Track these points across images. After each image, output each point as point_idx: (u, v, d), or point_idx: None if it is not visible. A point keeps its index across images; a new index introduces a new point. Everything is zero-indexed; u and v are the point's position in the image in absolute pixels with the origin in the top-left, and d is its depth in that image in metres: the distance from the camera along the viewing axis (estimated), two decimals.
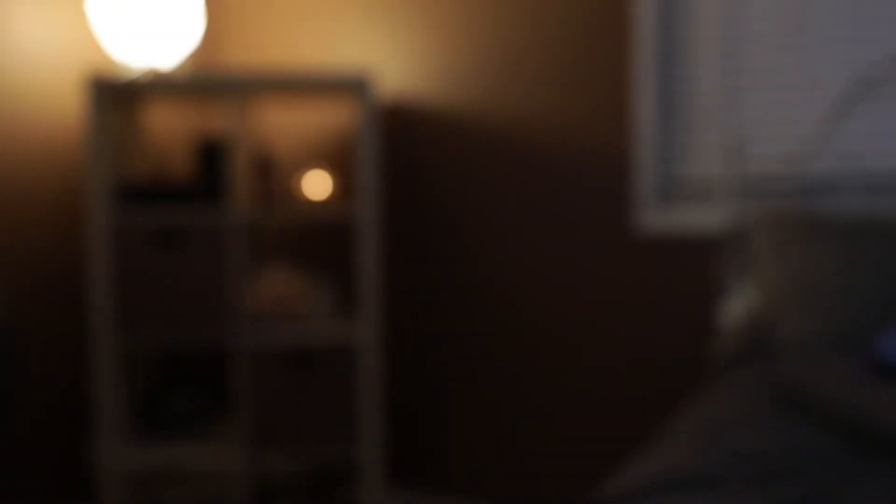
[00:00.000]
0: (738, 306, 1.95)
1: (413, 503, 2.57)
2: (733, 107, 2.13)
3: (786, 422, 1.25)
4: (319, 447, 2.26)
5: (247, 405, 2.22)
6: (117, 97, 2.28)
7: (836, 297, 1.67)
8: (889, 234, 1.70)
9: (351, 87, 2.19)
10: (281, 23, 2.69)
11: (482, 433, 2.46)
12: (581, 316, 2.30)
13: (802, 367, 1.40)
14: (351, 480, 2.60)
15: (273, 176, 2.38)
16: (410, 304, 2.55)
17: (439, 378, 2.52)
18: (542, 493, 2.40)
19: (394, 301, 2.57)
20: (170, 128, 2.68)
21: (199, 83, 2.17)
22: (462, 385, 2.48)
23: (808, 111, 2.05)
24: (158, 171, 2.61)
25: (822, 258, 1.73)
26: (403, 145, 2.52)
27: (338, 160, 2.61)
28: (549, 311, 2.34)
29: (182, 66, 2.43)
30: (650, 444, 1.24)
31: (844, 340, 1.61)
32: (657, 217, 2.18)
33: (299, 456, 2.26)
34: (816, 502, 0.93)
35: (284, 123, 2.69)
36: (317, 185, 2.42)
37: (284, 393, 2.23)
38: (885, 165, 1.97)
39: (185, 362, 2.71)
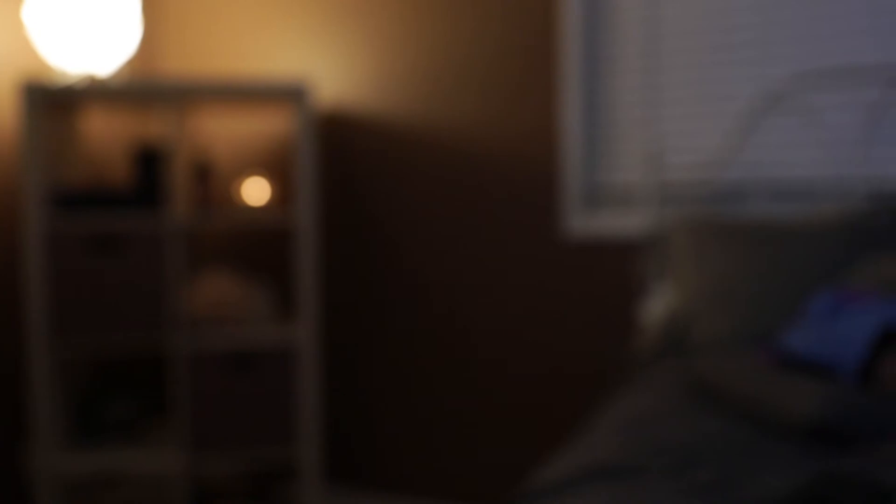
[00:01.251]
0: (657, 306, 1.99)
1: (349, 501, 2.56)
2: (652, 119, 2.19)
3: (700, 413, 1.29)
4: (258, 448, 2.23)
5: (185, 409, 2.18)
6: (53, 103, 2.22)
7: (746, 297, 1.72)
8: (793, 238, 1.75)
9: (289, 95, 2.18)
10: (220, 31, 2.66)
11: (414, 432, 2.47)
12: (511, 315, 2.33)
13: (715, 361, 1.44)
14: (289, 480, 2.58)
15: (211, 182, 2.34)
16: (347, 308, 2.54)
17: (373, 379, 2.52)
18: (471, 489, 2.41)
19: (331, 304, 2.56)
20: (108, 134, 2.61)
21: (136, 90, 2.12)
22: (395, 386, 2.49)
23: (720, 124, 2.12)
24: (96, 177, 2.54)
25: (734, 261, 1.78)
26: (340, 152, 2.52)
27: (276, 167, 2.58)
28: (481, 311, 2.37)
29: (119, 73, 2.38)
30: (576, 437, 1.26)
31: (754, 337, 1.66)
32: (583, 222, 2.22)
33: (238, 457, 2.23)
34: (726, 485, 0.96)
35: (223, 130, 2.65)
36: (255, 191, 2.39)
37: (223, 396, 2.20)
38: (790, 174, 2.05)
39: (123, 367, 2.64)
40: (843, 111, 1.99)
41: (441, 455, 2.44)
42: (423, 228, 2.43)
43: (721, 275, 1.78)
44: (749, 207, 2.08)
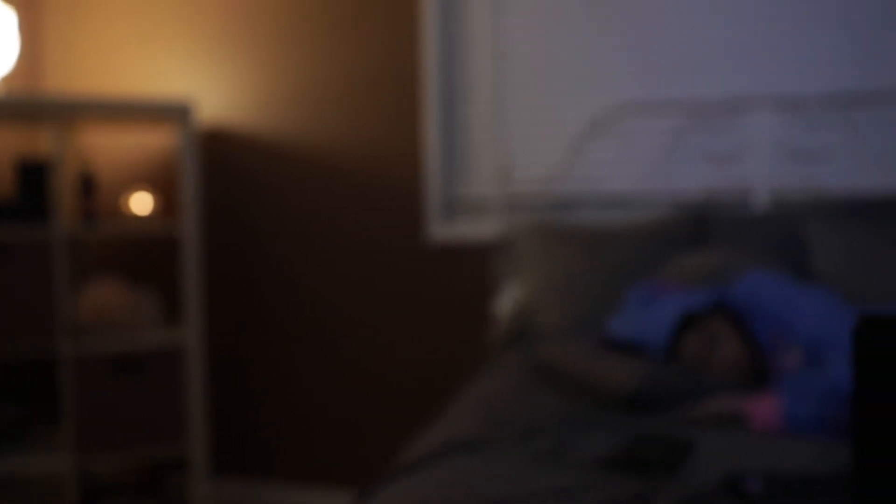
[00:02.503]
0: (507, 301, 2.06)
1: (236, 491, 2.52)
2: (501, 139, 2.27)
3: (541, 391, 1.35)
4: (148, 445, 2.16)
5: (74, 412, 2.08)
6: None
7: (580, 292, 1.80)
8: (616, 241, 1.85)
9: (172, 113, 2.12)
10: (107, 51, 2.54)
11: (294, 424, 2.46)
12: (381, 313, 2.37)
13: (553, 347, 1.51)
14: (179, 474, 2.50)
15: (97, 194, 2.24)
16: (229, 311, 2.49)
17: (256, 377, 2.49)
18: (348, 473, 2.42)
19: (214, 308, 2.50)
20: None
21: (16, 106, 2.00)
22: (276, 382, 2.47)
23: (557, 144, 2.21)
24: None
25: (569, 261, 1.86)
26: (222, 167, 2.47)
27: (161, 180, 2.50)
28: (354, 311, 2.39)
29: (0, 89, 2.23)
30: (436, 419, 1.30)
31: (586, 325, 1.74)
32: (443, 229, 2.29)
33: (129, 455, 2.14)
34: (562, 450, 1.03)
35: (110, 146, 2.53)
36: (141, 203, 2.30)
37: (112, 398, 2.11)
38: (614, 187, 2.18)
39: (12, 374, 2.46)
40: (653, 135, 2.15)
41: (319, 444, 2.44)
42: (300, 237, 2.42)
43: (559, 273, 1.86)
44: (581, 215, 2.18)
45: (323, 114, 2.38)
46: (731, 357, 1.31)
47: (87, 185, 2.21)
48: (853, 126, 2.01)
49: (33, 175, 2.08)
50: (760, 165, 2.06)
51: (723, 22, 2.11)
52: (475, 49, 2.28)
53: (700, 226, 1.91)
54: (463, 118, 2.30)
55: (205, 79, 2.46)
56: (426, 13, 2.25)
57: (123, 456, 2.13)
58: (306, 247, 2.42)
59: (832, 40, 2.04)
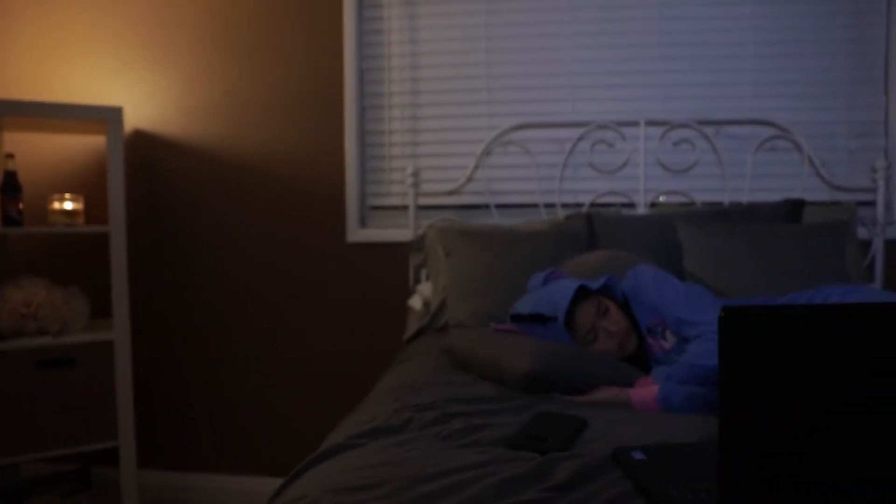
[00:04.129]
0: (421, 295, 2.06)
1: (163, 481, 2.39)
2: (413, 154, 2.27)
3: (452, 378, 1.35)
4: (78, 441, 2.02)
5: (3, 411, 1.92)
6: None
7: (486, 286, 1.82)
8: (517, 241, 1.88)
9: (101, 116, 2.00)
10: (38, 62, 2.35)
11: (222, 416, 2.36)
12: (306, 311, 2.32)
13: (460, 336, 1.52)
14: (109, 467, 2.36)
15: (22, 197, 2.07)
16: (156, 308, 2.37)
17: (182, 372, 2.38)
18: (272, 462, 2.35)
19: (141, 306, 2.37)
20: None
21: None
22: (202, 377, 2.37)
23: (462, 158, 2.23)
24: None
25: (476, 258, 1.87)
26: (148, 170, 2.34)
27: (89, 183, 2.34)
28: (278, 307, 2.32)
29: None
30: (357, 406, 1.28)
31: (491, 316, 1.76)
32: (363, 232, 2.26)
33: (60, 451, 2.00)
34: (471, 431, 1.03)
35: (38, 149, 2.35)
36: (69, 204, 2.15)
37: (37, 395, 1.96)
38: (510, 196, 2.21)
39: None
40: (549, 150, 2.21)
41: (244, 436, 2.36)
42: (226, 237, 2.33)
43: (466, 270, 1.87)
44: (487, 218, 2.21)
45: (248, 121, 2.30)
46: (617, 328, 1.35)
47: (12, 185, 2.05)
48: (713, 146, 2.13)
49: None
50: (639, 177, 2.15)
51: (606, 54, 2.18)
52: (392, 70, 2.26)
53: (590, 229, 1.96)
54: (381, 132, 2.28)
55: (134, 87, 2.33)
56: (346, 29, 2.22)
57: (52, 451, 1.98)
58: (231, 247, 2.33)
59: (696, 75, 2.15)
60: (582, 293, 1.41)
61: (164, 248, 2.35)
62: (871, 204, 2.07)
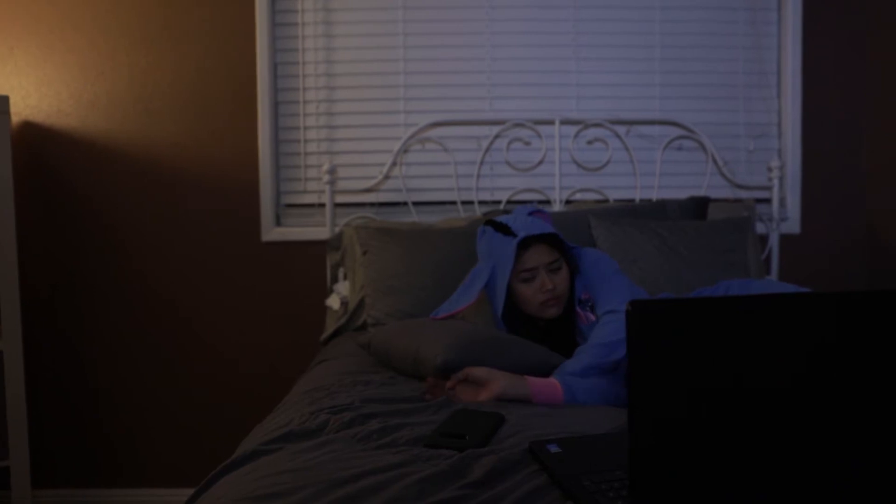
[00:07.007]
0: (339, 294, 2.04)
1: (62, 499, 2.24)
2: (329, 150, 2.24)
3: (370, 378, 1.33)
4: None
5: None
6: None
7: (404, 284, 1.81)
8: (435, 237, 1.88)
9: None
10: None
11: (125, 427, 2.24)
12: (222, 312, 2.23)
13: (378, 330, 1.51)
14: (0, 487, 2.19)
15: None
16: (53, 316, 2.22)
17: (83, 380, 2.24)
18: (182, 475, 2.24)
19: (35, 314, 2.22)
20: None
21: None
22: (104, 387, 2.24)
23: (379, 155, 2.22)
24: None
25: (393, 255, 1.86)
26: (41, 168, 2.19)
27: None
28: (193, 310, 2.23)
29: None
30: (274, 409, 1.25)
31: (410, 314, 1.75)
32: (278, 231, 2.21)
33: None
34: (389, 431, 1.01)
35: None
36: None
37: None
38: (428, 194, 2.23)
39: None
40: (466, 147, 2.23)
41: (153, 446, 2.24)
42: (136, 238, 2.21)
43: (384, 268, 1.86)
44: (405, 216, 2.21)
45: (155, 114, 2.19)
46: (555, 290, 1.38)
47: None
48: (625, 144, 2.22)
49: None
50: (555, 175, 2.21)
51: (523, 54, 2.23)
52: (307, 61, 2.22)
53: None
54: (296, 129, 2.24)
55: (22, 74, 2.17)
56: (258, 20, 2.16)
57: None
58: (139, 248, 2.21)
59: (609, 76, 2.23)
60: (553, 240, 1.42)
61: (60, 252, 2.21)
62: (768, 201, 2.22)
